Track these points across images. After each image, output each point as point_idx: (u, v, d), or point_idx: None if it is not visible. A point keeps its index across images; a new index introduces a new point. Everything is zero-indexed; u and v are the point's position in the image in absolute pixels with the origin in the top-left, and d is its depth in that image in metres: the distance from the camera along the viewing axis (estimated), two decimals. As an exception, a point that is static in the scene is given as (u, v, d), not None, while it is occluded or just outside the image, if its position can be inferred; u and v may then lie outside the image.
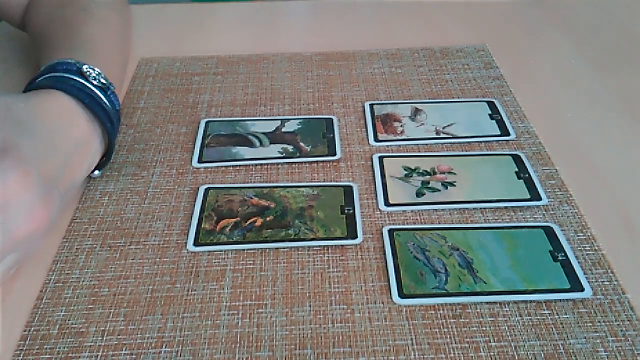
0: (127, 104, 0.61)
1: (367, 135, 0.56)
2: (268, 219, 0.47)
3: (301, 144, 0.55)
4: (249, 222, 0.47)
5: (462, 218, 0.47)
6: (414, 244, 0.45)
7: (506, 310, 0.40)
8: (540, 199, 0.48)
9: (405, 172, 0.51)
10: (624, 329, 0.39)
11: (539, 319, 0.40)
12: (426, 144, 0.55)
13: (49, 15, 0.59)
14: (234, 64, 0.68)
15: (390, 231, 0.46)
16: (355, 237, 0.45)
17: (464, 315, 0.40)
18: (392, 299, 0.41)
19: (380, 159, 0.53)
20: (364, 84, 0.64)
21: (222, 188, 0.50)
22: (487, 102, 0.60)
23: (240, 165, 0.53)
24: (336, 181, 0.51)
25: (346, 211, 0.48)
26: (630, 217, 0.47)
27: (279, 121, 0.58)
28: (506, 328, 0.39)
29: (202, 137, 0.56)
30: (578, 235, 0.46)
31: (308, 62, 0.68)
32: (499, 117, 0.58)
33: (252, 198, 0.49)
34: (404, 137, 0.56)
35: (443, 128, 0.57)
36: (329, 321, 0.40)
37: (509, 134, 0.55)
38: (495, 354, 0.38)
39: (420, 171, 0.51)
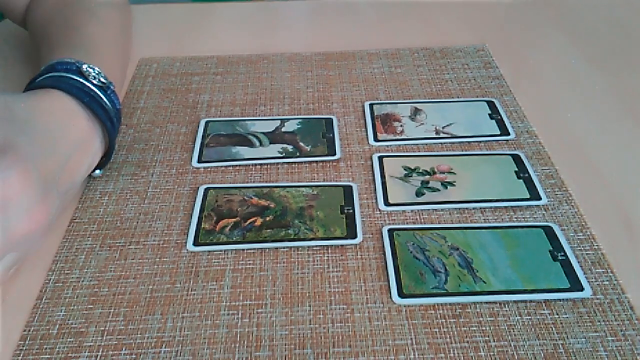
0: (127, 104, 0.61)
1: (366, 135, 0.56)
2: (268, 219, 0.47)
3: (301, 143, 0.55)
4: (248, 222, 0.47)
5: (461, 218, 0.47)
6: (413, 244, 0.45)
7: (506, 310, 0.40)
8: (539, 198, 0.48)
9: (405, 172, 0.51)
10: (623, 328, 0.39)
11: (539, 319, 0.40)
12: (426, 144, 0.55)
13: (50, 14, 0.59)
14: (234, 64, 0.68)
15: (390, 231, 0.46)
16: (355, 237, 0.45)
17: (463, 315, 0.40)
18: (392, 298, 0.41)
19: (380, 158, 0.53)
20: (364, 83, 0.64)
21: (222, 188, 0.50)
22: (487, 101, 0.60)
23: (240, 165, 0.53)
24: (336, 181, 0.51)
25: (346, 211, 0.48)
26: (630, 217, 0.47)
27: (279, 121, 0.58)
28: (506, 328, 0.39)
29: (202, 137, 0.56)
30: (578, 235, 0.46)
31: (308, 62, 0.68)
32: (499, 117, 0.58)
33: (252, 198, 0.49)
34: (403, 137, 0.56)
35: (443, 128, 0.57)
36: (328, 321, 0.40)
37: (508, 134, 0.55)
38: (495, 353, 0.38)
39: (420, 171, 0.51)
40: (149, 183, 0.51)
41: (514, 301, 0.41)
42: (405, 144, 0.55)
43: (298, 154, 0.54)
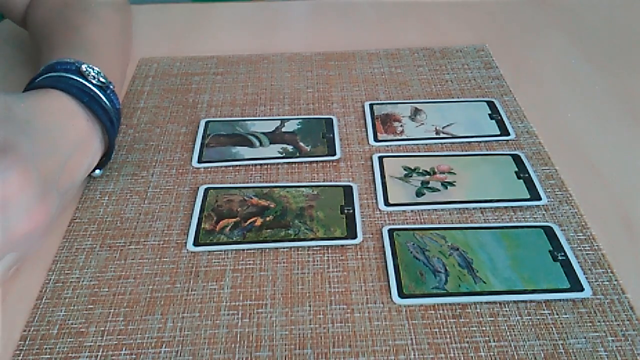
0: (127, 104, 0.61)
1: (366, 135, 0.56)
2: (268, 219, 0.47)
3: (301, 144, 0.55)
4: (248, 222, 0.47)
5: (462, 218, 0.47)
6: (413, 244, 0.45)
7: (506, 310, 0.40)
8: (540, 198, 0.48)
9: (405, 172, 0.51)
10: (623, 328, 0.39)
11: (539, 319, 0.40)
12: (426, 144, 0.55)
13: (50, 14, 0.59)
14: (234, 64, 0.68)
15: (390, 231, 0.46)
16: (355, 237, 0.45)
17: (464, 315, 0.40)
18: (392, 299, 0.41)
19: (380, 159, 0.53)
20: (364, 84, 0.64)
21: (222, 188, 0.50)
22: (487, 102, 0.60)
23: (240, 165, 0.53)
24: (336, 181, 0.51)
25: (346, 211, 0.48)
26: (630, 217, 0.47)
27: (279, 121, 0.58)
28: (506, 328, 0.39)
29: (202, 137, 0.56)
30: (578, 235, 0.46)
31: (308, 62, 0.68)
32: (499, 117, 0.58)
33: (252, 198, 0.49)
34: (403, 137, 0.56)
35: (443, 128, 0.57)
36: (329, 321, 0.40)
37: (508, 134, 0.55)
38: (495, 354, 0.38)
39: (420, 171, 0.51)
40: (149, 183, 0.51)
41: (514, 301, 0.41)
42: (405, 144, 0.55)
43: (298, 154, 0.54)
